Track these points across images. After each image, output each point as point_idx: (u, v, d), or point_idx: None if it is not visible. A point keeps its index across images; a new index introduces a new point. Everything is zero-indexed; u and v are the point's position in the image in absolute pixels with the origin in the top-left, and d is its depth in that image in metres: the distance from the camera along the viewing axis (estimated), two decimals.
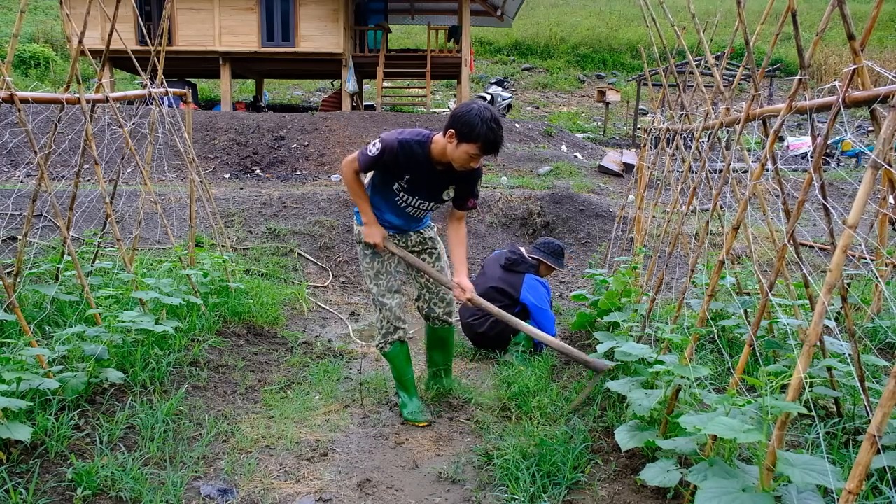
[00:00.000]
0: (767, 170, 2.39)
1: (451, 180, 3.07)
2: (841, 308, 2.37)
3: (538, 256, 4.40)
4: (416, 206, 3.12)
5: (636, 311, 3.60)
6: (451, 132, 2.80)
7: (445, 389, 3.49)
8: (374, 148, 2.93)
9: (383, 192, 3.13)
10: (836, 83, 1.92)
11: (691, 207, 3.23)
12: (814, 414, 2.34)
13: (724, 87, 3.22)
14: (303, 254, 6.68)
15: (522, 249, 4.45)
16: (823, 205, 2.11)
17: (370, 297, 3.31)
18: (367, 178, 3.22)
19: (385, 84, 14.87)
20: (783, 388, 2.35)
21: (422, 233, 3.34)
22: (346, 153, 11.16)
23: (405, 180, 3.03)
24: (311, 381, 3.78)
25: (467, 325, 4.33)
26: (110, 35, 3.71)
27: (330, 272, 6.47)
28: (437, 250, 3.38)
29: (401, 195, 3.08)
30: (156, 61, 4.22)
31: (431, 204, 3.15)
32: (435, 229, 3.46)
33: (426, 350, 3.58)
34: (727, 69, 13.07)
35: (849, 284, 3.65)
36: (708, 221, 2.85)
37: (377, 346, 3.31)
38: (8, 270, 3.50)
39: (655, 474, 2.22)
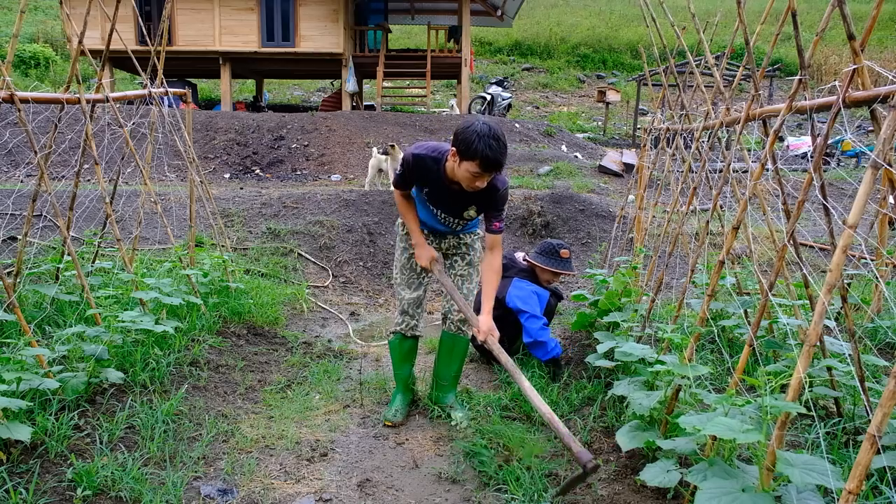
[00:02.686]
0: (767, 170, 2.39)
1: (470, 200, 3.04)
2: (841, 308, 2.37)
3: (530, 259, 4.20)
4: (443, 217, 3.17)
5: (636, 311, 3.60)
6: (453, 150, 2.78)
7: (436, 401, 3.36)
8: (400, 163, 3.07)
9: (419, 196, 3.20)
10: (836, 83, 1.92)
11: (691, 207, 3.23)
12: (814, 414, 2.34)
13: (724, 87, 3.22)
14: (303, 254, 6.68)
15: (520, 255, 4.30)
16: (823, 205, 2.11)
17: (393, 283, 3.41)
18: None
19: (385, 84, 14.87)
20: (783, 388, 2.35)
21: (460, 237, 3.34)
22: (346, 153, 11.18)
23: (425, 192, 3.09)
24: (311, 381, 3.78)
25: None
26: (110, 35, 3.71)
27: (330, 272, 6.47)
28: (470, 255, 3.33)
29: (430, 203, 3.14)
30: (156, 61, 4.22)
31: (455, 220, 3.17)
32: (477, 235, 3.39)
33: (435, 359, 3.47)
34: (727, 69, 13.07)
35: (849, 284, 3.66)
36: (708, 221, 2.85)
37: (388, 332, 3.41)
38: (8, 270, 3.50)
39: (655, 474, 2.22)
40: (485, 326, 2.99)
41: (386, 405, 3.44)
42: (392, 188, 3.18)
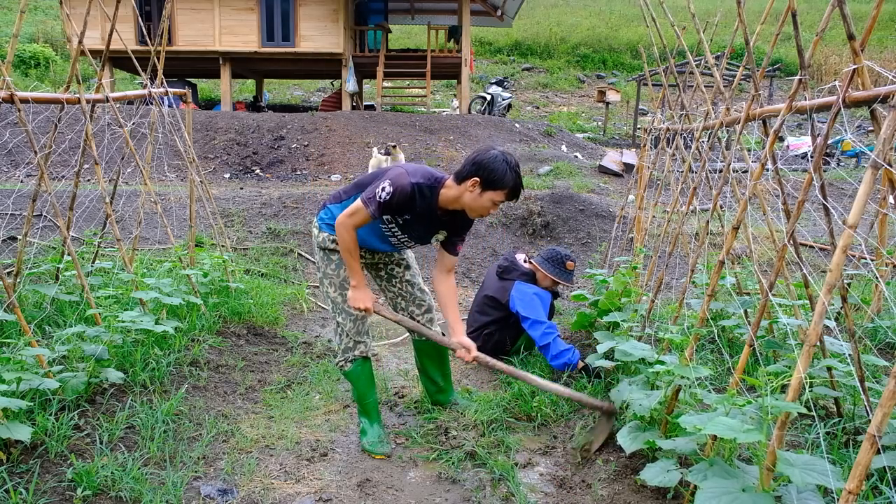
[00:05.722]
0: (767, 170, 2.39)
1: (445, 226, 2.94)
2: (841, 308, 2.37)
3: (534, 262, 4.14)
4: (401, 240, 2.96)
5: (636, 311, 3.59)
6: (475, 181, 2.64)
7: (446, 404, 3.36)
8: (383, 193, 2.68)
9: (376, 223, 2.89)
10: (836, 83, 1.92)
11: (691, 207, 3.23)
12: (814, 414, 2.34)
13: (724, 87, 3.21)
14: (303, 254, 6.68)
15: (521, 256, 4.23)
16: (823, 205, 2.11)
17: (331, 305, 3.06)
18: (348, 202, 2.93)
19: (385, 84, 14.87)
20: (783, 388, 2.35)
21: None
22: (346, 153, 11.17)
23: (403, 219, 2.83)
24: (311, 381, 3.78)
25: None
26: (110, 35, 3.71)
27: None
28: (406, 260, 3.24)
29: (389, 227, 2.88)
30: (156, 61, 4.22)
31: (412, 243, 3.03)
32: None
33: (418, 365, 3.40)
34: (727, 69, 13.08)
35: (849, 284, 3.65)
36: (708, 221, 2.85)
37: (337, 364, 3.09)
38: (8, 270, 3.50)
39: (655, 474, 2.22)
40: (468, 344, 2.95)
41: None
42: (344, 223, 2.80)
